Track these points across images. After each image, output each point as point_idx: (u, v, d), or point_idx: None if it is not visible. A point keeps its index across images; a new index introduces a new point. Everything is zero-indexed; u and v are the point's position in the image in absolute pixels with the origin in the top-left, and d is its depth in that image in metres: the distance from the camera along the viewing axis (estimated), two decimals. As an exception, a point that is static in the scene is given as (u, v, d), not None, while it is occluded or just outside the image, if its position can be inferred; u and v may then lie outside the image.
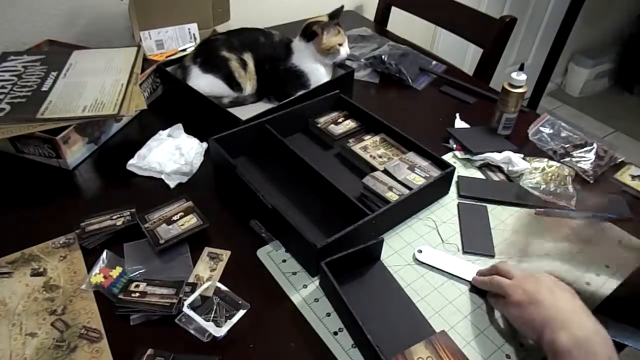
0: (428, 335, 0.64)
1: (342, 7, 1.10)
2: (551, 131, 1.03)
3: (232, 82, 1.06)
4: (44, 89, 0.96)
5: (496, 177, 0.93)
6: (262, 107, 1.02)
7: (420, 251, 0.77)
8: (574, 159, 0.95)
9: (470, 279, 0.73)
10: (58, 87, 0.97)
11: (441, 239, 0.81)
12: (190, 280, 0.71)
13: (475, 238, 0.80)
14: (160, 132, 0.96)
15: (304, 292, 0.71)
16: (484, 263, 0.77)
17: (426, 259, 0.76)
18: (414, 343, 0.63)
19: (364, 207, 0.76)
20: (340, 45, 1.08)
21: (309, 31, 1.07)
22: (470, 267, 0.75)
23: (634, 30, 2.88)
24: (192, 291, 0.68)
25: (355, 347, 0.64)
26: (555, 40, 2.07)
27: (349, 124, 1.01)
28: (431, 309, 0.70)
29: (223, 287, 0.69)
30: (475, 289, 0.72)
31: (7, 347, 0.63)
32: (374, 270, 0.75)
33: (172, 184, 0.88)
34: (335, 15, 1.09)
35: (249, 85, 1.08)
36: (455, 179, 0.90)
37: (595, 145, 0.98)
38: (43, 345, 0.63)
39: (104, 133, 0.99)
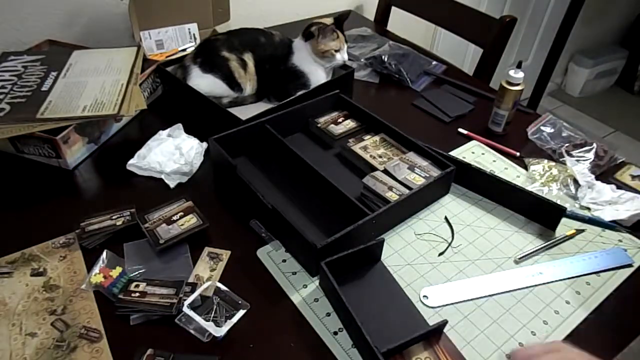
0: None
1: (349, 12, 1.09)
2: (552, 130, 1.03)
3: (232, 82, 1.06)
4: (44, 89, 0.96)
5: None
6: (262, 107, 1.02)
7: (426, 297, 0.72)
8: (573, 159, 0.95)
9: (488, 294, 0.72)
10: (58, 87, 0.97)
11: (448, 242, 0.81)
12: (190, 280, 0.71)
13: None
14: (160, 132, 0.96)
15: (304, 292, 0.71)
16: (500, 268, 0.77)
17: (435, 301, 0.71)
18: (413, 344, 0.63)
19: (364, 207, 0.76)
20: (336, 51, 1.07)
21: (308, 31, 1.07)
22: (486, 279, 0.74)
23: (634, 30, 2.88)
24: (192, 291, 0.68)
25: (355, 347, 0.64)
26: (555, 40, 2.07)
27: (349, 124, 1.01)
28: (431, 309, 0.70)
29: (223, 287, 0.69)
30: None
31: (7, 347, 0.63)
32: (374, 271, 0.75)
33: (172, 184, 0.88)
34: (340, 20, 1.08)
35: (249, 86, 1.08)
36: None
37: (594, 145, 0.98)
38: (43, 345, 0.63)
39: (104, 133, 0.99)
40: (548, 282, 0.74)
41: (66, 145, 0.89)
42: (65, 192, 0.88)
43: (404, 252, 0.78)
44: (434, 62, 1.31)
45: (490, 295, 0.72)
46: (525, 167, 0.96)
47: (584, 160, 0.95)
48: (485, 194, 0.89)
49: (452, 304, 0.71)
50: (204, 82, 1.05)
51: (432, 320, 0.68)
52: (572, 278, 0.75)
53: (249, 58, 1.07)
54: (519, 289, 0.73)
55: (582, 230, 0.83)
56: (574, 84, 2.86)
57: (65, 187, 0.89)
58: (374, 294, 0.72)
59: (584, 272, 0.76)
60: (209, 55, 1.06)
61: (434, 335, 0.65)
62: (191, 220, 0.79)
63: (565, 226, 0.83)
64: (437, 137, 1.04)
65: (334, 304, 0.69)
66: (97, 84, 0.98)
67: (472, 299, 0.72)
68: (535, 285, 0.74)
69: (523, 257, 0.78)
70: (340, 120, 1.02)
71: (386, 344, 0.60)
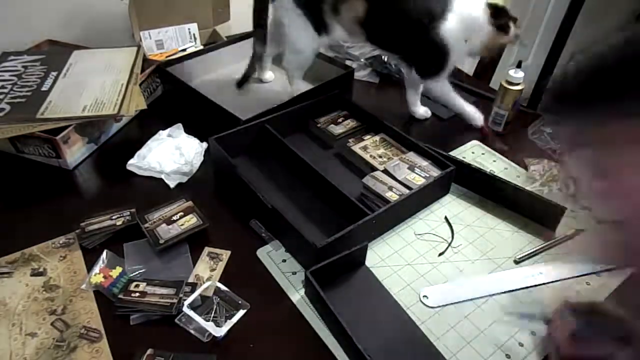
0: (420, 341, 0.65)
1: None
2: (552, 130, 1.03)
3: (319, 22, 0.93)
4: (44, 89, 0.96)
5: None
6: (263, 106, 1.02)
7: (426, 297, 0.71)
8: (574, 159, 0.95)
9: (488, 294, 0.72)
10: (58, 87, 0.97)
11: (447, 242, 0.81)
12: (190, 280, 0.71)
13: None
14: (160, 132, 0.96)
15: (303, 291, 0.71)
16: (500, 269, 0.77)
17: (435, 301, 0.71)
18: (404, 349, 0.63)
19: (364, 207, 0.76)
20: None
21: (502, 17, 0.89)
22: (486, 279, 0.74)
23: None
24: (192, 291, 0.68)
25: (346, 354, 0.64)
26: (555, 40, 2.07)
27: (349, 124, 1.01)
28: (431, 309, 0.70)
29: (223, 287, 0.69)
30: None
31: (7, 347, 0.63)
32: (358, 276, 0.74)
33: (172, 184, 0.88)
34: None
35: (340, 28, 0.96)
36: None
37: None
38: (43, 345, 0.63)
39: (104, 133, 0.99)
40: (548, 282, 0.74)
41: (66, 145, 0.89)
42: (65, 192, 0.88)
43: (404, 252, 0.78)
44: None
45: (490, 295, 0.72)
46: (525, 167, 0.96)
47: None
48: (485, 194, 0.89)
49: (452, 304, 0.71)
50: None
51: (431, 320, 0.68)
52: (572, 278, 0.75)
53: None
54: (519, 289, 0.73)
55: (582, 230, 0.83)
56: (574, 84, 2.85)
57: (65, 187, 0.89)
58: (361, 299, 0.71)
59: (584, 272, 0.76)
60: None
61: None
62: (191, 220, 0.79)
63: (565, 226, 0.83)
64: (437, 137, 1.04)
65: (321, 312, 0.68)
66: (97, 84, 0.98)
67: (472, 299, 0.71)
68: (535, 285, 0.74)
69: (523, 257, 0.78)
70: (340, 120, 1.02)
71: (376, 351, 0.59)
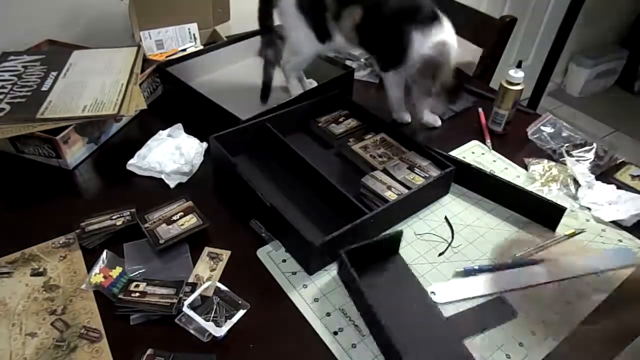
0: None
1: None
2: (552, 130, 1.03)
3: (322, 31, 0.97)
4: (44, 89, 0.96)
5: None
6: (263, 106, 1.02)
7: (433, 293, 0.72)
8: (573, 159, 0.95)
9: (487, 293, 0.72)
10: (58, 87, 0.97)
11: (447, 242, 0.81)
12: (190, 280, 0.71)
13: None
14: (160, 132, 0.96)
15: (303, 292, 0.71)
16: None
17: (442, 298, 0.71)
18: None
19: (362, 207, 0.76)
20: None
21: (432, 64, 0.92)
22: (486, 279, 0.74)
23: (634, 30, 2.87)
24: (192, 291, 0.68)
25: (355, 347, 0.64)
26: (555, 40, 2.07)
27: (350, 123, 1.01)
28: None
29: (223, 287, 0.69)
30: None
31: (7, 347, 0.63)
32: (390, 264, 0.75)
33: (172, 184, 0.88)
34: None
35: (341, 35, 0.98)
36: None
37: (594, 145, 0.98)
38: (43, 345, 0.63)
39: (104, 133, 0.99)
40: (548, 282, 0.74)
41: (66, 145, 0.89)
42: (65, 192, 0.88)
43: (404, 252, 0.78)
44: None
45: (490, 295, 0.72)
46: (525, 167, 0.96)
47: (584, 160, 0.95)
48: (485, 194, 0.89)
49: (458, 301, 0.71)
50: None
51: (432, 320, 0.68)
52: (572, 278, 0.75)
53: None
54: (519, 289, 0.73)
55: (582, 230, 0.83)
56: (574, 84, 2.85)
57: (65, 187, 0.89)
58: (391, 287, 0.72)
59: (585, 272, 0.76)
60: None
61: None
62: (191, 220, 0.79)
63: (565, 226, 0.83)
64: (437, 137, 1.04)
65: (353, 293, 0.69)
66: (97, 84, 0.98)
67: (471, 298, 0.72)
68: (535, 285, 0.74)
69: (523, 257, 0.78)
70: (341, 119, 1.02)
71: (402, 336, 0.60)
